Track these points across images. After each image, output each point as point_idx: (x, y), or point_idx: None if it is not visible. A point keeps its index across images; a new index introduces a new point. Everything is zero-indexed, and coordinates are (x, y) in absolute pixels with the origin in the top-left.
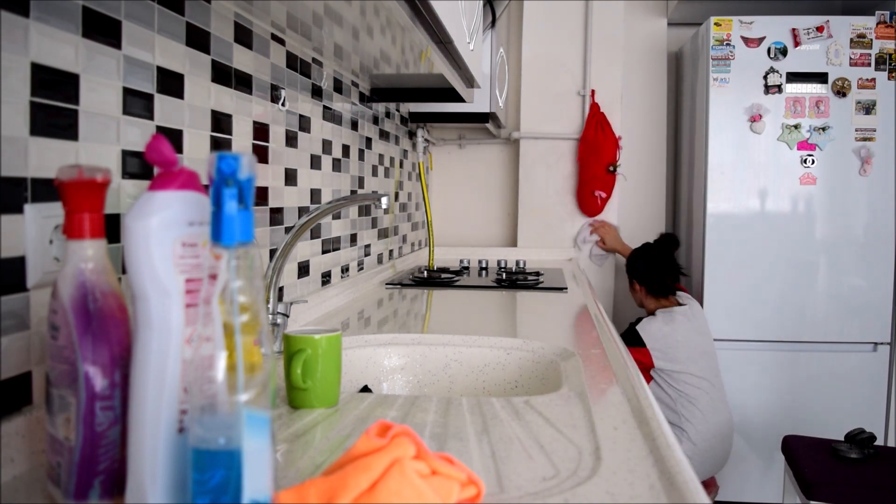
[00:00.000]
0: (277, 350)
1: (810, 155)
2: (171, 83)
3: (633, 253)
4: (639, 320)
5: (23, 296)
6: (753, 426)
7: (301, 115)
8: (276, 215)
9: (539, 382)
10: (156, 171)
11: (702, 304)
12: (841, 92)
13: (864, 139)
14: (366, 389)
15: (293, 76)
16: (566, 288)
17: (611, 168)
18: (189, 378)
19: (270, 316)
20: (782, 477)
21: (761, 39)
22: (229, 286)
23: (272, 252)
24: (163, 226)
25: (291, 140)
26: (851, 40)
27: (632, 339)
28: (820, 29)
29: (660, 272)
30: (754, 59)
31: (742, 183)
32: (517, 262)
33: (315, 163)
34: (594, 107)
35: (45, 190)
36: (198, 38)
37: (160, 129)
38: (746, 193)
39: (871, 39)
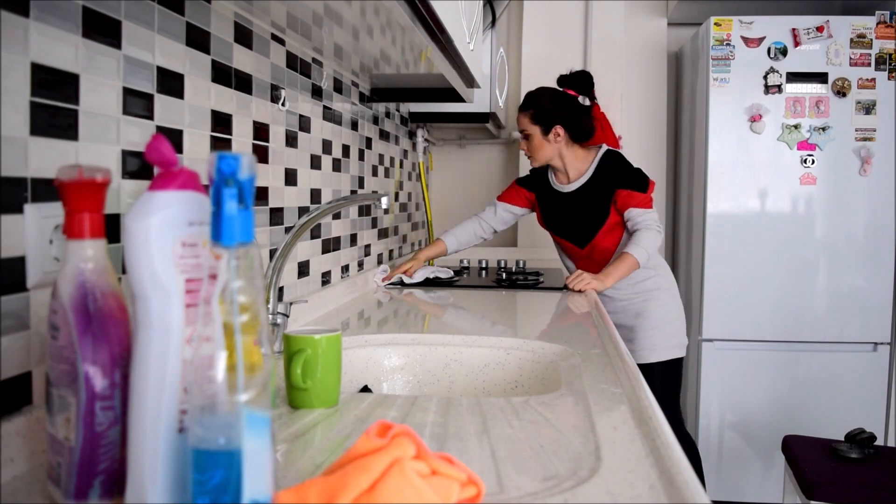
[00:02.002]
0: (277, 350)
1: (810, 155)
2: (171, 83)
3: (549, 95)
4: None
5: (23, 296)
6: (753, 426)
7: (301, 115)
8: (276, 215)
9: (539, 382)
10: (156, 171)
11: (701, 303)
12: (841, 92)
13: (864, 139)
14: (366, 389)
15: (293, 76)
16: (566, 288)
17: None
18: (189, 378)
19: (270, 316)
20: (782, 477)
21: (761, 39)
22: (229, 286)
23: (272, 252)
24: (163, 226)
25: (291, 140)
26: (851, 40)
27: (635, 182)
28: (820, 29)
29: (585, 113)
30: (754, 59)
31: (742, 183)
32: (517, 262)
33: (315, 163)
34: (594, 107)
35: (45, 190)
36: (198, 38)
37: (160, 129)
38: (746, 193)
39: (871, 39)
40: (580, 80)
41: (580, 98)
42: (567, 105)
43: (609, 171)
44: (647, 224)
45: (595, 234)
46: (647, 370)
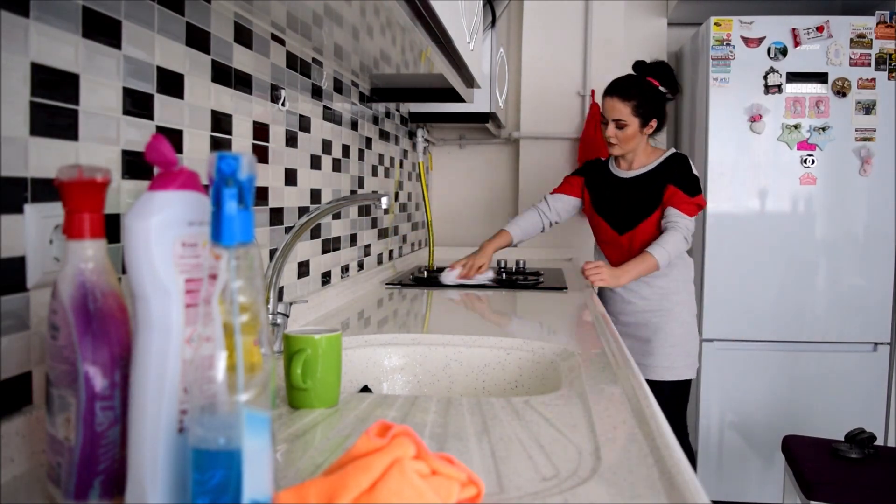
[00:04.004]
0: (277, 350)
1: (810, 155)
2: (171, 83)
3: (651, 87)
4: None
5: (23, 296)
6: (753, 426)
7: (301, 115)
8: (276, 215)
9: (539, 382)
10: (156, 171)
11: (701, 303)
12: (841, 92)
13: (864, 139)
14: (366, 389)
15: (293, 76)
16: (566, 288)
17: None
18: (189, 378)
19: (270, 316)
20: (782, 477)
21: (761, 39)
22: (229, 286)
23: (272, 252)
24: (163, 226)
25: (291, 140)
26: (851, 40)
27: (689, 185)
28: (820, 29)
29: (666, 105)
30: (754, 59)
31: (742, 183)
32: (517, 262)
33: (315, 163)
34: (594, 107)
35: (45, 190)
36: (198, 38)
37: (160, 129)
38: (746, 193)
39: (871, 39)
40: (665, 72)
41: (661, 89)
42: (662, 98)
43: (670, 169)
44: (678, 226)
45: (638, 224)
46: (658, 387)
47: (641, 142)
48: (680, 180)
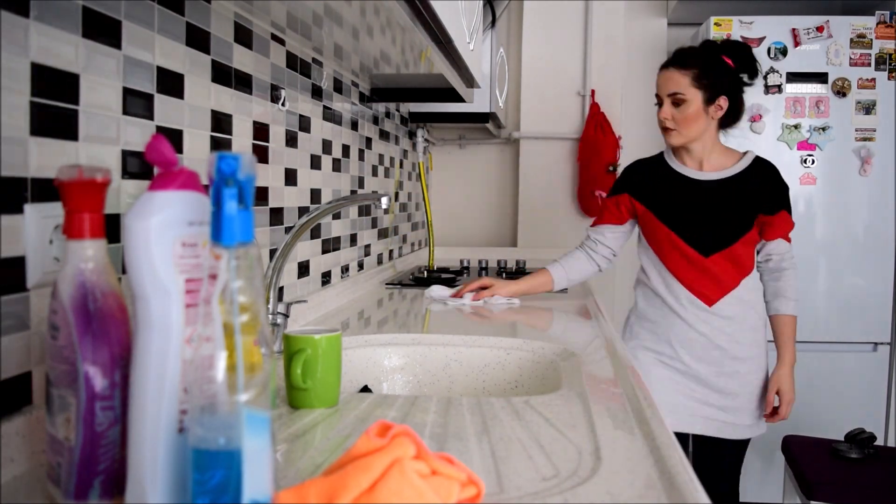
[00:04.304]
0: (277, 350)
1: (810, 155)
2: (171, 83)
3: (718, 57)
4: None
5: (23, 296)
6: None
7: (301, 115)
8: (276, 215)
9: (539, 382)
10: (156, 171)
11: None
12: (841, 92)
13: (864, 139)
14: (366, 389)
15: (293, 76)
16: (566, 288)
17: (611, 168)
18: (189, 378)
19: (270, 316)
20: (782, 477)
21: (761, 39)
22: (229, 286)
23: (272, 252)
24: (163, 226)
25: (291, 140)
26: (851, 40)
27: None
28: (820, 29)
29: (743, 93)
30: None
31: None
32: (517, 262)
33: (315, 163)
34: (594, 107)
35: (45, 190)
36: (198, 38)
37: (160, 129)
38: None
39: (871, 39)
40: (742, 52)
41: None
42: (735, 74)
43: (767, 180)
44: (793, 263)
45: (731, 244)
46: (736, 446)
47: (709, 129)
48: (787, 202)
